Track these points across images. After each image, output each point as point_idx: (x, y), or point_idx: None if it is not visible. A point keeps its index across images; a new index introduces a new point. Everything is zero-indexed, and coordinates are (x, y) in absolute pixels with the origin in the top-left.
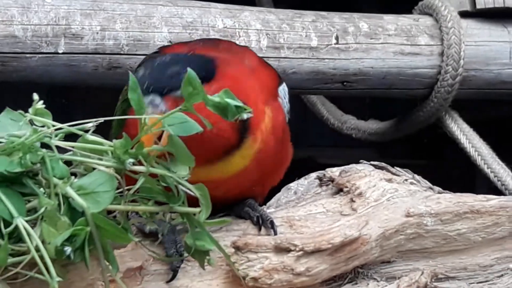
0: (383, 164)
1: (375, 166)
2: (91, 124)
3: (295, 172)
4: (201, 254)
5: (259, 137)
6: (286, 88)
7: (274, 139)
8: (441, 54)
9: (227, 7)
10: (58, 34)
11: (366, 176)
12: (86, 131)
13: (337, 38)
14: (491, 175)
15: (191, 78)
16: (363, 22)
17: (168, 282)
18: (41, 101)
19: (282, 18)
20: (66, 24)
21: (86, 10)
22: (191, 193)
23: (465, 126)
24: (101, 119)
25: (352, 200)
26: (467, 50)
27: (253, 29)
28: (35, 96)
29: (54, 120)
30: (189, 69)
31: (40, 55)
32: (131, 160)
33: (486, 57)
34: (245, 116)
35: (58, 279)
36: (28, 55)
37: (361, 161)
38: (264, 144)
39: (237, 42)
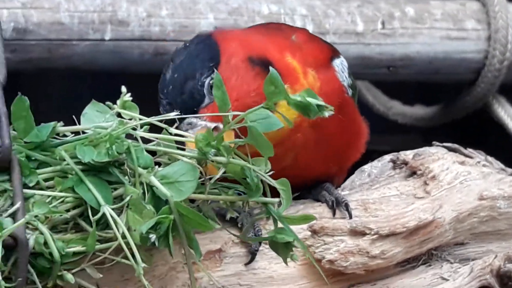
0: (456, 146)
1: (448, 148)
2: (172, 115)
3: None
4: (283, 249)
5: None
6: (345, 63)
7: (326, 101)
8: (488, 38)
9: None
10: (104, 21)
11: (439, 159)
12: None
13: (383, 23)
14: None
15: (273, 77)
16: (409, 7)
17: (246, 264)
18: (129, 94)
19: (327, 3)
20: (112, 11)
21: None
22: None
23: None
24: (182, 116)
25: (425, 183)
26: None
27: (299, 14)
28: (123, 89)
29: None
30: (271, 69)
31: (86, 42)
32: (213, 150)
33: None
34: (326, 114)
35: (143, 264)
36: (74, 42)
37: (434, 142)
38: None
39: None
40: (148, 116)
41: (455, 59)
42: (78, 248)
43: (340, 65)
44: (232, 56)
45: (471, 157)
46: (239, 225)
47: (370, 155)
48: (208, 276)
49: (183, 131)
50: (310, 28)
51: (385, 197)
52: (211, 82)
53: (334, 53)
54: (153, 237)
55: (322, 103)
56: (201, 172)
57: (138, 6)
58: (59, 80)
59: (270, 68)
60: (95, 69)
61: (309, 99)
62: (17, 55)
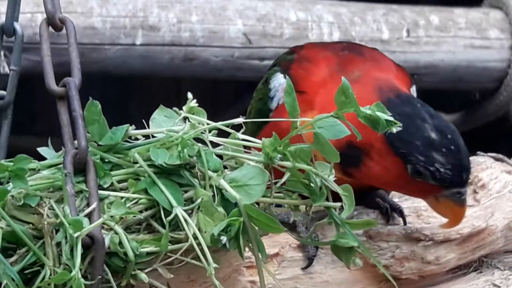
0: (501, 156)
1: (494, 158)
2: (239, 120)
3: None
4: (346, 253)
5: None
6: (415, 90)
7: None
8: (511, 47)
9: (300, 0)
10: (136, 26)
11: (488, 168)
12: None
13: (408, 31)
14: None
15: (345, 87)
16: (434, 15)
17: (304, 268)
18: (195, 100)
19: (353, 11)
20: (143, 16)
21: (163, 2)
22: (336, 190)
23: None
24: (251, 120)
25: (475, 192)
26: None
27: (325, 22)
28: (190, 95)
29: (110, 110)
30: (343, 79)
31: (118, 46)
32: (280, 155)
33: None
34: (394, 130)
35: (214, 265)
36: (106, 47)
37: (478, 152)
38: None
39: (309, 35)
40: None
41: (478, 68)
42: (151, 248)
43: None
44: None
45: None
46: (298, 229)
47: None
48: (272, 278)
49: (450, 197)
50: (337, 35)
51: None
52: None
53: (411, 81)
54: (224, 238)
55: (390, 118)
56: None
57: (169, 12)
58: (92, 84)
59: (342, 78)
60: (126, 73)
61: (378, 113)
62: (52, 59)
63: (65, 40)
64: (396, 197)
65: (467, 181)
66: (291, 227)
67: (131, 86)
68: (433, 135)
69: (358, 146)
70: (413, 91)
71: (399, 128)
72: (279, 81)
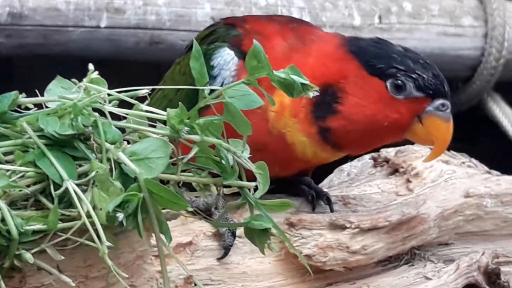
0: None
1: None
2: (144, 91)
3: None
4: (260, 237)
5: None
6: None
7: None
8: (485, 36)
9: None
10: (100, 8)
11: (422, 156)
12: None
13: (380, 17)
14: None
15: (256, 51)
16: (407, 2)
17: (219, 259)
18: (96, 72)
19: None
20: None
21: None
22: (249, 168)
23: (507, 109)
24: (154, 87)
25: (408, 181)
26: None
27: (296, 7)
28: (91, 66)
29: None
30: (255, 42)
31: (82, 29)
32: (187, 128)
33: None
34: (310, 94)
35: (108, 243)
36: (70, 29)
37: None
38: None
39: None
40: None
41: (451, 56)
42: (39, 226)
43: None
44: None
45: (454, 158)
46: (212, 209)
47: None
48: (182, 267)
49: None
50: (307, 20)
51: (366, 194)
52: None
53: None
54: (120, 215)
55: (307, 82)
56: (173, 151)
57: None
58: (53, 66)
59: (254, 41)
60: (90, 56)
61: (294, 77)
62: (12, 40)
63: (27, 22)
64: (325, 188)
65: (449, 93)
66: (207, 214)
67: (112, 69)
68: (407, 52)
69: (333, 83)
70: None
71: (316, 93)
72: (224, 59)
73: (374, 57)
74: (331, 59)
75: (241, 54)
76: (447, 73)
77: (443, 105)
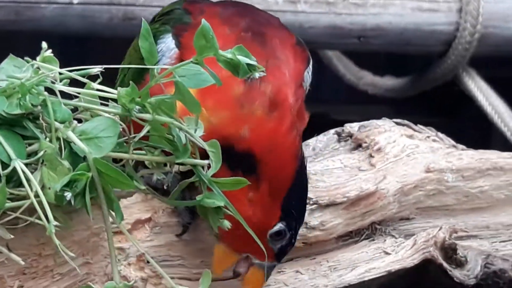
0: (406, 122)
1: (397, 123)
2: (96, 70)
3: (308, 127)
4: (213, 215)
5: None
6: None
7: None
8: (459, 10)
9: None
10: None
11: (386, 131)
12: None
13: None
14: (508, 133)
15: (204, 30)
16: None
17: (178, 235)
18: (50, 50)
19: None
20: None
21: None
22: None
23: (482, 84)
24: (106, 66)
25: (370, 156)
26: (486, 7)
27: None
28: (44, 44)
29: None
30: (203, 21)
31: (54, 5)
32: (138, 107)
33: (506, 14)
34: (257, 75)
35: (55, 223)
36: (42, 5)
37: (383, 118)
38: None
39: None
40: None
41: (426, 31)
42: None
43: (309, 72)
44: None
45: (420, 132)
46: (165, 187)
47: (340, 125)
48: (134, 243)
49: None
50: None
51: (328, 169)
52: None
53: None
54: (68, 195)
55: (253, 62)
56: (124, 130)
57: None
58: (26, 43)
59: (202, 20)
60: (63, 32)
61: (240, 57)
62: None
63: None
64: None
65: None
66: (164, 192)
67: (91, 46)
68: None
69: None
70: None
71: (262, 73)
72: (167, 46)
73: None
74: None
75: (180, 45)
76: (422, 48)
77: None
